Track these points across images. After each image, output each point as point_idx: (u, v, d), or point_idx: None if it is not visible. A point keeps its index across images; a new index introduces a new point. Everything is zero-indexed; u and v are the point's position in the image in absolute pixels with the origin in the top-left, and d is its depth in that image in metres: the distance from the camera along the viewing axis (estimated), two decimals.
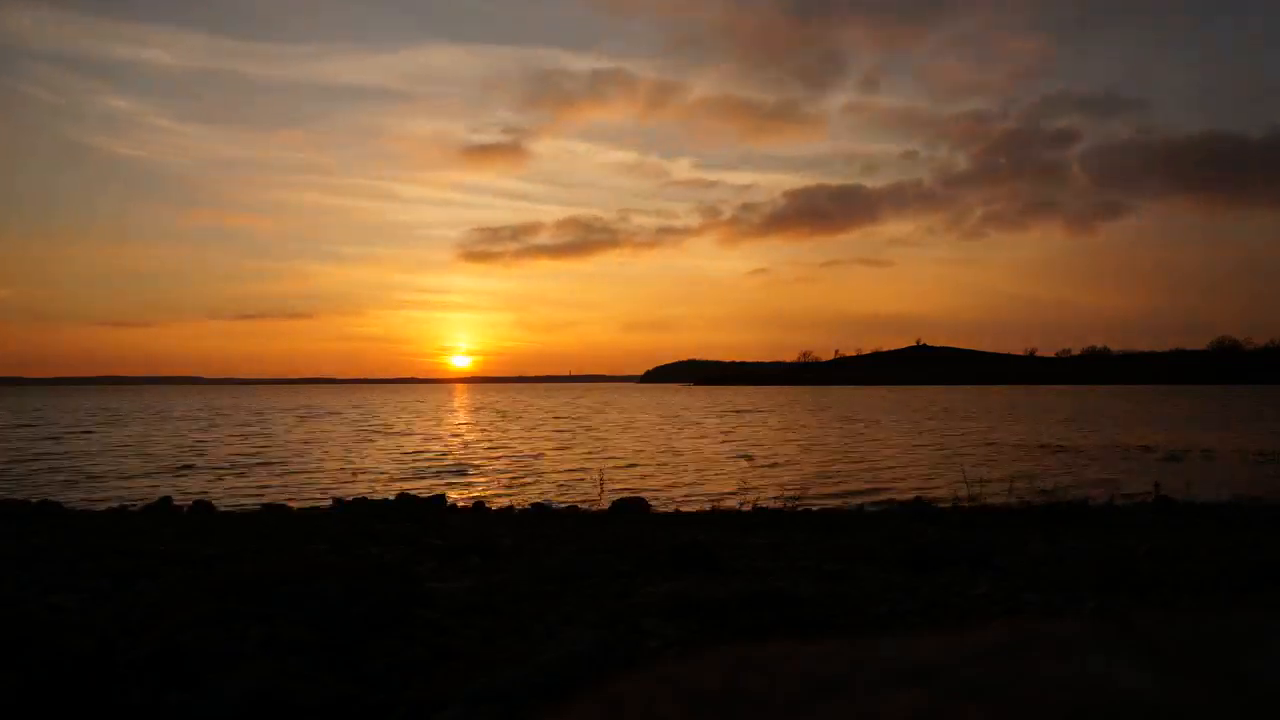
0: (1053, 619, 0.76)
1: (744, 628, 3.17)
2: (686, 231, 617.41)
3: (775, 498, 11.06)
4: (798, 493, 12.83)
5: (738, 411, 57.34)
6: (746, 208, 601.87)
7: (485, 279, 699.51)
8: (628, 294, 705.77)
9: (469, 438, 32.04)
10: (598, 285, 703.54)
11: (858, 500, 13.62)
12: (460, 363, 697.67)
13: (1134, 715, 0.56)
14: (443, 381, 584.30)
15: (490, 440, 30.62)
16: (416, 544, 5.81)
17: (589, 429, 37.29)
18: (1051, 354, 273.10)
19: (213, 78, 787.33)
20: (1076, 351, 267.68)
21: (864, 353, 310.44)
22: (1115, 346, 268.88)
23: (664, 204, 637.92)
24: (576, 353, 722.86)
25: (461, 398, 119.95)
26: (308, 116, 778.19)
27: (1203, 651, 0.61)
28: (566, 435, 33.24)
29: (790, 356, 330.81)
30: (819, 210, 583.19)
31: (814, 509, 10.33)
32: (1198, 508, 9.98)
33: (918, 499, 11.21)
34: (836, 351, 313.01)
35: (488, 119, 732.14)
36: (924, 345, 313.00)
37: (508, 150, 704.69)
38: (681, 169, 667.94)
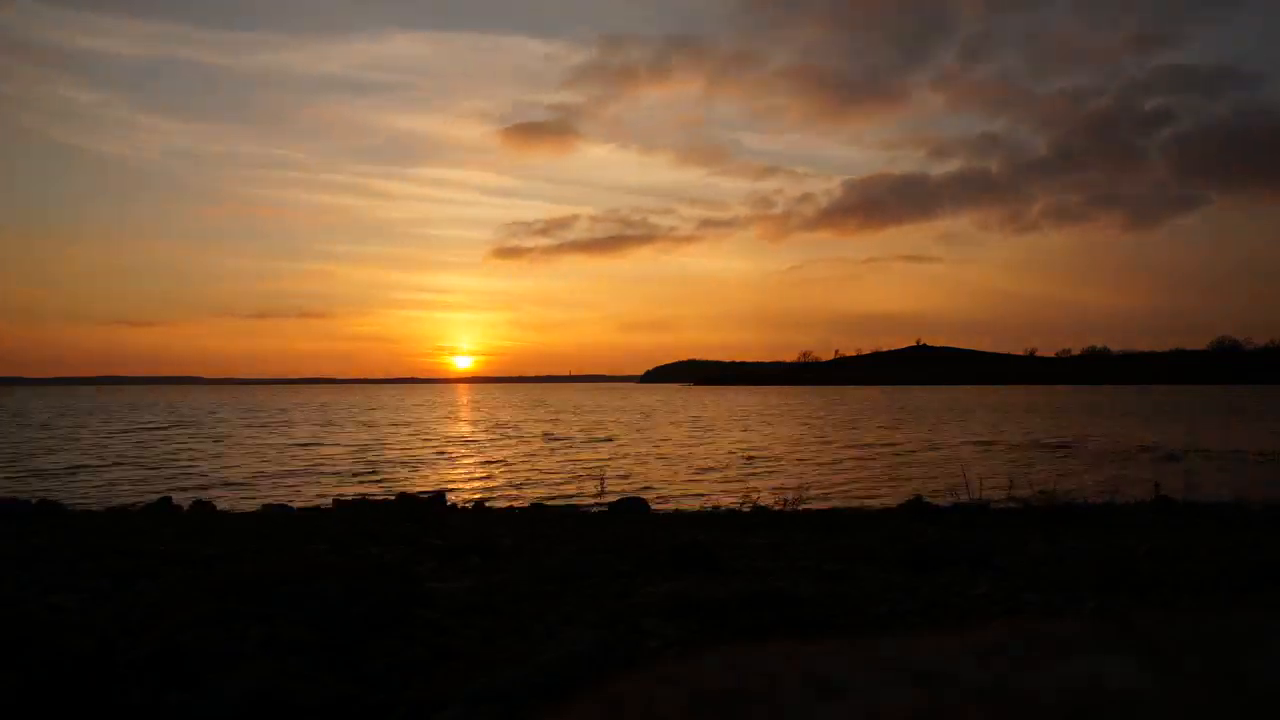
0: (1053, 619, 0.76)
1: (744, 628, 3.17)
2: (733, 224, 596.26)
3: (775, 498, 11.05)
4: (798, 493, 12.83)
5: (738, 411, 57.30)
6: (802, 199, 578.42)
7: (489, 278, 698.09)
8: (635, 293, 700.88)
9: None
10: (611, 284, 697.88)
11: (858, 500, 13.63)
12: (461, 363, 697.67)
13: (1134, 715, 0.56)
14: (444, 381, 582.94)
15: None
16: (416, 544, 5.80)
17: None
18: (1051, 354, 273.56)
19: (216, 74, 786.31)
20: (1076, 351, 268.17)
21: (864, 353, 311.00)
22: (1115, 346, 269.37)
23: (715, 196, 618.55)
24: (576, 352, 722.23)
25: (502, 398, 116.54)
26: (318, 111, 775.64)
27: (1203, 651, 0.61)
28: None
29: (790, 356, 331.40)
30: (875, 202, 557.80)
31: (814, 509, 10.33)
32: (1198, 508, 9.96)
33: (918, 499, 11.19)
34: (836, 351, 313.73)
35: (532, 100, 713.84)
36: (924, 345, 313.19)
37: (552, 137, 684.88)
38: (740, 154, 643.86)
